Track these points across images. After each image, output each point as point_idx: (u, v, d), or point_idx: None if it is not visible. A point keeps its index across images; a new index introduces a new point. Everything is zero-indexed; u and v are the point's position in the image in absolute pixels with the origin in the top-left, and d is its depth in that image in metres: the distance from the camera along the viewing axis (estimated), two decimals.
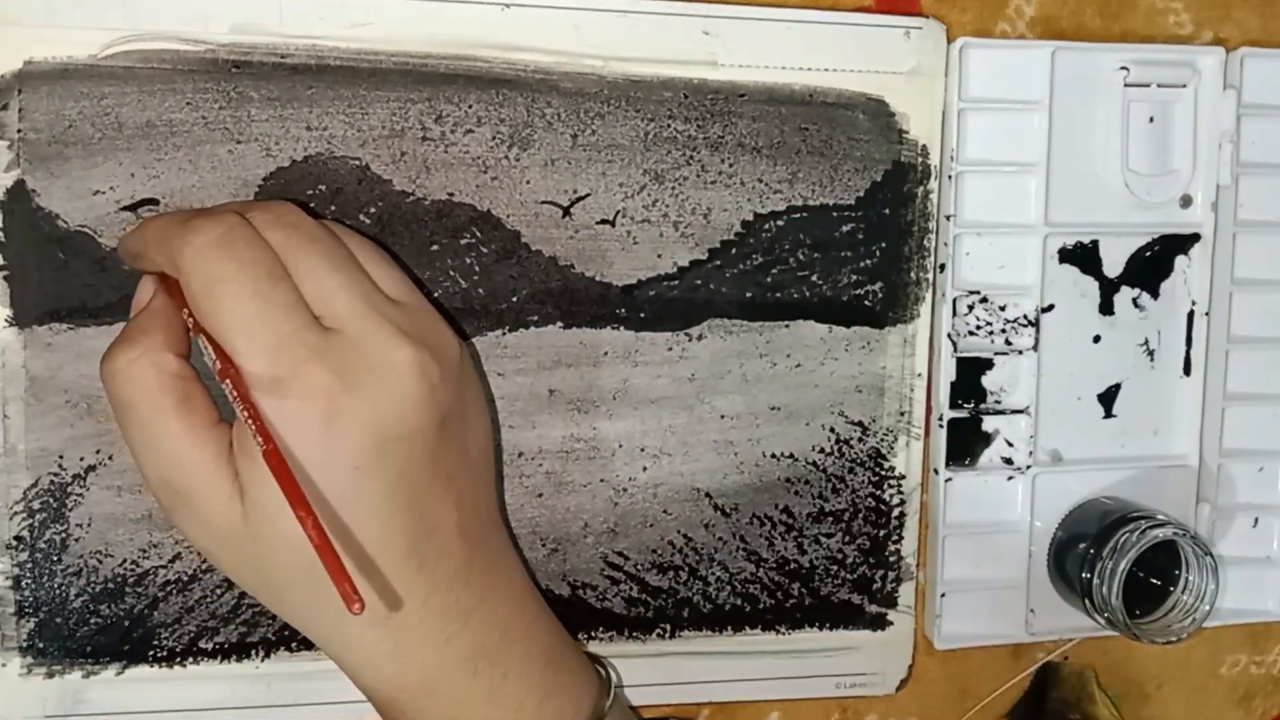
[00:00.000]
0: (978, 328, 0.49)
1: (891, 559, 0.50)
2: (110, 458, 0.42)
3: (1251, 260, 0.51)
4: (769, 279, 0.47)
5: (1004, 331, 0.49)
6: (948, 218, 0.48)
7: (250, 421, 0.33)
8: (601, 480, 0.47)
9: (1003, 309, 0.49)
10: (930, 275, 0.48)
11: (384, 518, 0.35)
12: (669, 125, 0.45)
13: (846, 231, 0.48)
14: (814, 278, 0.48)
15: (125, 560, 0.43)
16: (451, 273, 0.44)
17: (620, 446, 0.47)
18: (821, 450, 0.48)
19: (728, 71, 0.46)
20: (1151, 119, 0.49)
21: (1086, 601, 0.48)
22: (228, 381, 0.34)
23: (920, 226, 0.48)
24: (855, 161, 0.47)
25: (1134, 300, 0.51)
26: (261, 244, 0.35)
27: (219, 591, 0.44)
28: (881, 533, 0.49)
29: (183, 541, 0.43)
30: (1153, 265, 0.51)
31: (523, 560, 0.43)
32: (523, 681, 0.39)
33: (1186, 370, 0.51)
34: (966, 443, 0.50)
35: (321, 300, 0.35)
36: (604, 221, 0.45)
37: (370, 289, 0.36)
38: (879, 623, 0.50)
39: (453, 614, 0.37)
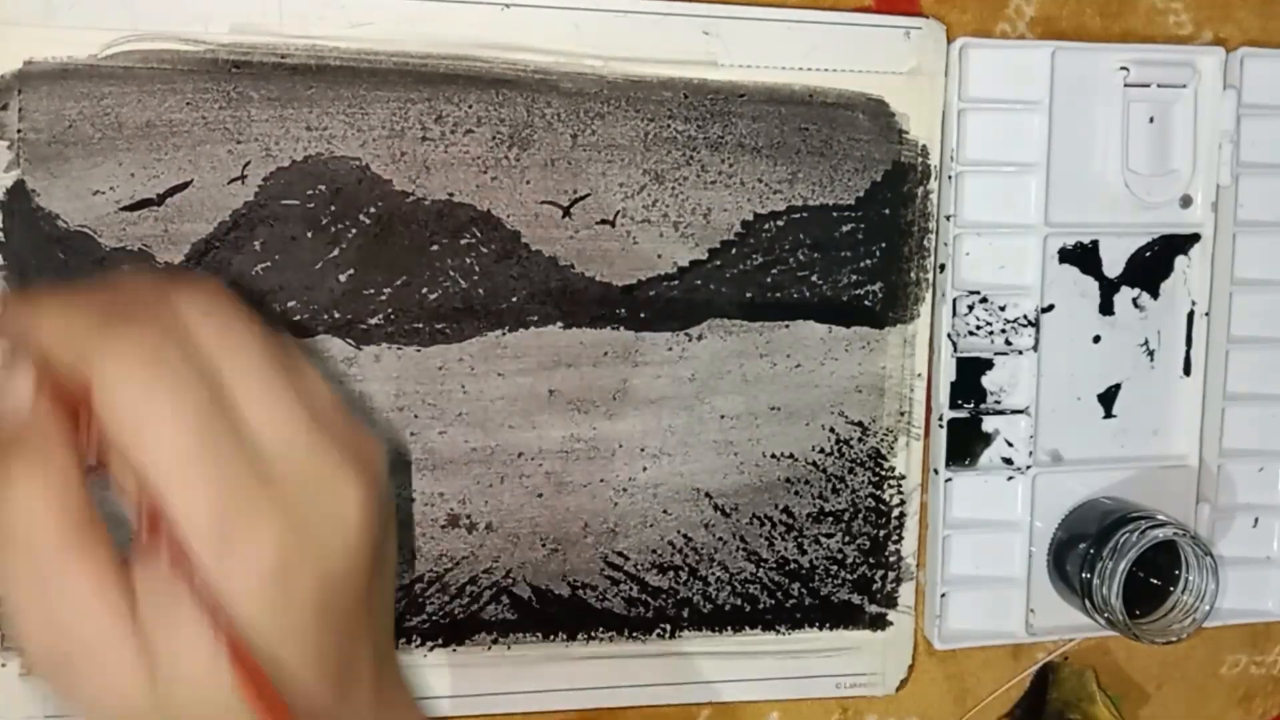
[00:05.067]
0: (978, 328, 0.49)
1: (891, 559, 0.50)
2: None
3: (1251, 260, 0.51)
4: (769, 279, 0.47)
5: (1004, 331, 0.49)
6: (948, 218, 0.48)
7: (208, 615, 0.28)
8: (601, 480, 0.47)
9: (1003, 309, 0.49)
10: (930, 275, 0.48)
11: (314, 663, 0.31)
12: (669, 125, 0.45)
13: (846, 231, 0.48)
14: (814, 278, 0.47)
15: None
16: (451, 273, 0.44)
17: (620, 446, 0.47)
18: (821, 450, 0.48)
19: (728, 71, 0.46)
20: (1151, 119, 0.49)
21: (1086, 601, 0.48)
22: (162, 539, 0.28)
23: (920, 226, 0.48)
24: (855, 161, 0.47)
25: (1134, 300, 0.51)
26: (198, 355, 0.29)
27: None
28: (881, 533, 0.49)
29: None
30: (1153, 265, 0.50)
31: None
32: None
33: (1186, 370, 0.51)
34: (966, 443, 0.50)
35: (262, 416, 0.30)
36: (604, 221, 0.45)
37: (307, 402, 0.31)
38: (879, 623, 0.50)
39: None
